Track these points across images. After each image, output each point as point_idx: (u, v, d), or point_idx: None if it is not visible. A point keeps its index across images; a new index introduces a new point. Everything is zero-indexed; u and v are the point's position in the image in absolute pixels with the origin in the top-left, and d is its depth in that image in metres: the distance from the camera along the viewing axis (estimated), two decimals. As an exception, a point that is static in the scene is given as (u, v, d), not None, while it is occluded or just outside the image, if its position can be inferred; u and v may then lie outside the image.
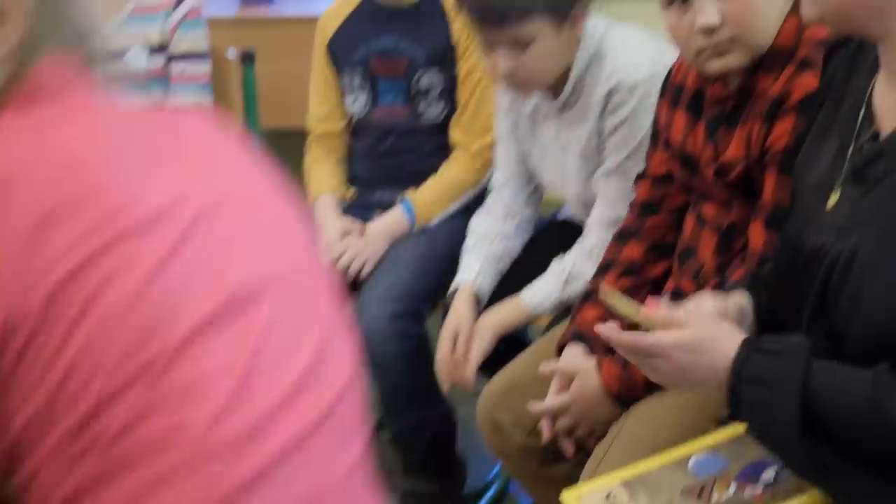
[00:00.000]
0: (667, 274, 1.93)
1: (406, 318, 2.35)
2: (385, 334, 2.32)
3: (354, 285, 2.46)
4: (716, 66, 1.67)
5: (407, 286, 2.37)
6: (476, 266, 2.23)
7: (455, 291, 2.22)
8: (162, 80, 2.68)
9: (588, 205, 2.17)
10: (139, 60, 2.65)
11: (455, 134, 2.49)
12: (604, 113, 2.07)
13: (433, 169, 2.47)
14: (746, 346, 1.36)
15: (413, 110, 2.49)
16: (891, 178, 1.31)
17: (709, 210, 1.81)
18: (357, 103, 2.56)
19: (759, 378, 1.33)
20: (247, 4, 3.63)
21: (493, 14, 1.98)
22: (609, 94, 2.05)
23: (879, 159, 1.34)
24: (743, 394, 1.34)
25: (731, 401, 1.36)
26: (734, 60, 1.66)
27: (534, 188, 2.33)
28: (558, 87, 2.10)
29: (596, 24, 2.09)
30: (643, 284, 1.94)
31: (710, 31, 1.64)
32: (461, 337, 2.16)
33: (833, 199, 1.39)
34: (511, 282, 2.23)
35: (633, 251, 1.95)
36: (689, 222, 1.86)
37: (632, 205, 1.98)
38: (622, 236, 1.97)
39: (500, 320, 2.16)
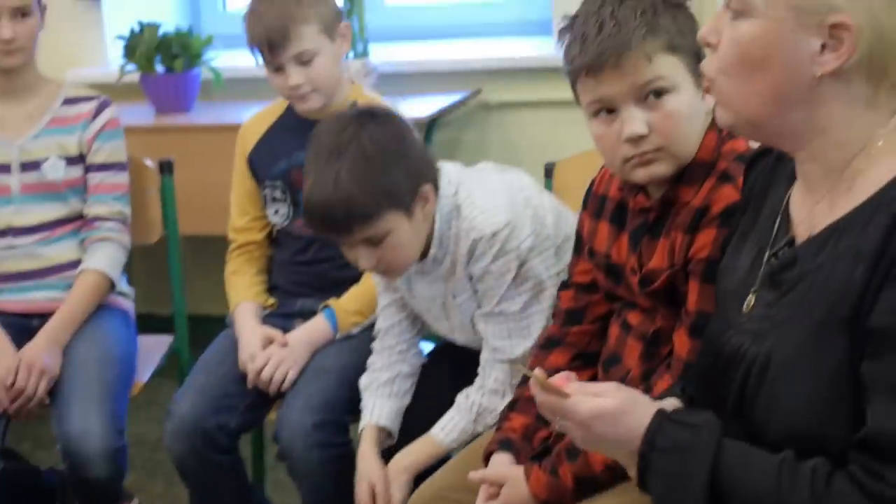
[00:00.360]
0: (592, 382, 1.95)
1: (329, 427, 2.34)
2: (308, 444, 2.31)
3: (277, 394, 2.44)
4: (641, 175, 1.71)
5: (329, 396, 2.36)
6: (377, 407, 2.25)
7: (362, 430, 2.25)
8: (79, 190, 2.66)
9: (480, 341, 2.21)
10: (57, 171, 2.63)
11: None
12: (470, 261, 2.11)
13: (355, 278, 2.48)
14: (660, 416, 1.40)
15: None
16: (804, 283, 1.35)
17: (634, 318, 1.84)
18: (278, 214, 2.57)
19: (671, 447, 1.37)
20: (163, 113, 3.63)
21: (341, 224, 2.02)
22: (472, 246, 2.09)
23: (794, 265, 1.38)
24: (654, 462, 1.37)
25: (640, 468, 1.39)
26: (660, 170, 1.70)
27: (420, 325, 2.34)
28: (424, 250, 2.14)
29: (448, 181, 2.13)
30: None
31: (636, 140, 1.67)
32: (378, 486, 2.17)
33: (750, 302, 1.43)
34: (416, 411, 2.27)
35: (558, 359, 1.96)
36: (614, 330, 1.89)
37: (555, 314, 2.01)
38: (547, 345, 2.00)
39: (414, 461, 2.18)
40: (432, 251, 2.12)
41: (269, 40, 2.42)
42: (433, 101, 3.46)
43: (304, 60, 2.44)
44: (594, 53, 1.65)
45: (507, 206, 2.09)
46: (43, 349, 2.51)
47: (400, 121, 2.13)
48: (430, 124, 3.47)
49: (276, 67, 2.46)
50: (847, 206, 1.34)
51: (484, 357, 2.15)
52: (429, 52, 3.79)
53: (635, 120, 1.67)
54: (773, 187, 1.50)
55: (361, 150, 2.01)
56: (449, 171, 2.16)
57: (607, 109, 1.69)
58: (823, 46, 1.29)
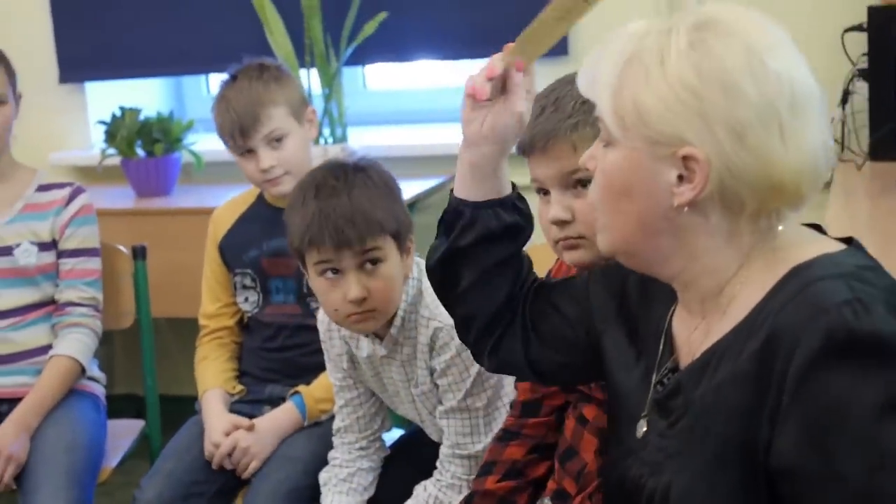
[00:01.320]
0: (549, 474, 1.95)
1: (294, 515, 2.33)
2: (273, 532, 2.30)
3: (242, 481, 2.44)
4: (567, 258, 1.74)
5: (296, 484, 2.36)
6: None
7: None
8: (51, 275, 2.68)
9: None
10: (29, 256, 2.66)
11: None
12: (432, 354, 2.12)
13: (324, 365, 2.48)
14: None
15: (304, 309, 2.53)
16: (691, 413, 1.36)
17: (589, 411, 1.84)
18: (248, 302, 2.59)
19: None
20: (143, 196, 3.67)
21: (355, 233, 2.03)
22: (433, 336, 2.11)
23: (678, 393, 1.39)
24: None
25: None
26: (583, 256, 1.71)
27: (381, 421, 2.33)
28: (384, 331, 2.14)
29: (416, 263, 2.16)
30: (525, 486, 1.96)
31: (560, 223, 1.72)
32: None
33: (642, 427, 1.44)
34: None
35: (515, 452, 1.97)
36: (570, 423, 1.89)
37: (513, 404, 2.01)
38: (504, 437, 2.00)
39: None
40: (393, 330, 2.13)
41: (241, 124, 2.47)
42: (412, 185, 3.49)
43: (274, 140, 2.48)
44: (528, 135, 1.69)
45: None
46: (11, 435, 2.51)
47: (391, 175, 2.17)
48: (409, 208, 3.49)
49: (247, 150, 2.49)
50: (722, 331, 1.36)
51: (443, 451, 2.15)
52: (408, 136, 3.83)
53: (557, 205, 1.71)
54: (655, 302, 1.50)
55: (369, 179, 2.08)
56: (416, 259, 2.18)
57: (542, 190, 1.73)
58: (680, 177, 1.31)
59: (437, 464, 2.15)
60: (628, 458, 1.45)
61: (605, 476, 1.57)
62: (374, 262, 2.05)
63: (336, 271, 2.06)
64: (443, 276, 1.64)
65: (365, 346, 2.19)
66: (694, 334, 1.41)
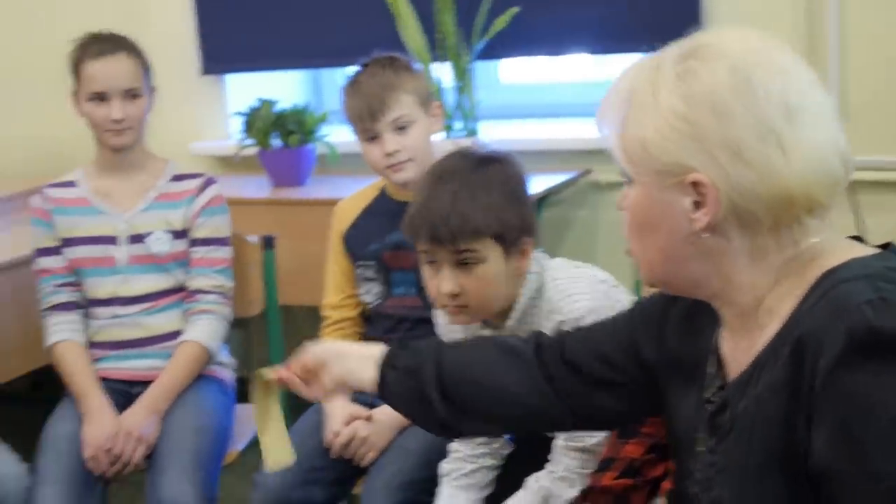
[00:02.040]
0: (666, 475, 1.94)
1: (409, 507, 2.35)
2: (388, 523, 2.33)
3: (360, 470, 2.47)
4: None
5: (411, 476, 2.37)
6: (453, 498, 2.24)
7: None
8: (183, 262, 2.75)
9: None
10: (162, 244, 2.73)
11: None
12: None
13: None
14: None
15: (425, 301, 2.54)
16: (736, 427, 1.37)
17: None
18: (370, 294, 2.62)
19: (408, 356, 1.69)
20: (278, 186, 3.74)
21: (447, 233, 2.04)
22: (553, 330, 2.08)
23: (725, 409, 1.41)
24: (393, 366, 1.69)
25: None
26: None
27: None
28: (501, 320, 2.14)
29: (537, 259, 2.15)
30: (643, 484, 1.95)
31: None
32: None
33: (697, 447, 1.46)
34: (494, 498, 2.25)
35: (633, 450, 1.96)
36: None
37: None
38: (622, 435, 1.99)
39: None
40: (510, 322, 2.13)
41: (369, 107, 2.50)
42: (543, 179, 3.48)
43: (400, 126, 2.50)
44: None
45: (590, 295, 2.10)
46: (142, 417, 2.60)
47: (521, 171, 2.16)
48: (539, 203, 3.49)
49: (373, 136, 2.52)
50: (762, 343, 1.36)
51: (557, 443, 2.14)
52: (540, 131, 3.82)
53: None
54: (702, 330, 1.51)
55: (483, 177, 2.07)
56: (536, 254, 2.18)
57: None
58: (696, 204, 1.34)
59: (551, 456, 2.15)
60: (686, 479, 1.47)
61: (670, 499, 1.58)
62: (470, 262, 2.06)
63: (434, 262, 2.08)
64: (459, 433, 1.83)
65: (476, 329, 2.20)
66: (738, 351, 1.42)
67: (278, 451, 1.87)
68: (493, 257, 2.06)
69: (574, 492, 2.04)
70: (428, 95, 2.59)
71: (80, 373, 2.67)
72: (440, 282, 2.08)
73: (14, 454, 2.58)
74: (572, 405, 1.64)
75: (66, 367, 2.70)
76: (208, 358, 2.73)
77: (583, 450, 2.08)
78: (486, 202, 2.04)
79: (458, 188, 2.05)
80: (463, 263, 2.06)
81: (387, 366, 1.71)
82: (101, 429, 2.57)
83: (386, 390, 1.72)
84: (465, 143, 3.40)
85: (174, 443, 2.59)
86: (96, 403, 2.62)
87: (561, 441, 2.13)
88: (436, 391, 1.66)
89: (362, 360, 1.74)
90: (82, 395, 2.64)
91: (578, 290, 2.11)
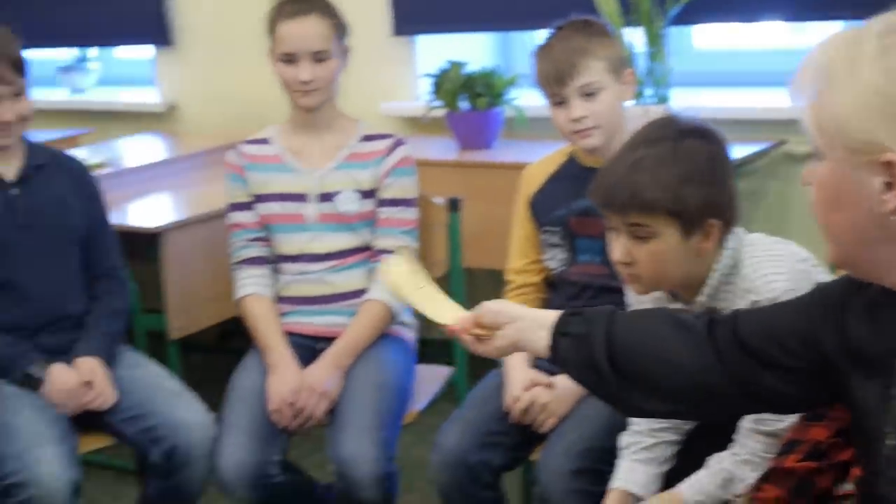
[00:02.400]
0: (853, 460, 1.87)
1: (588, 475, 2.33)
2: (566, 490, 2.32)
3: (538, 437, 2.46)
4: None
5: (591, 444, 2.35)
6: (631, 472, 2.20)
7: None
8: (370, 222, 2.78)
9: None
10: (350, 203, 2.77)
11: None
12: None
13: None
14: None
15: (610, 269, 2.50)
16: None
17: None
18: (555, 260, 2.60)
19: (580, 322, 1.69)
20: (465, 149, 3.75)
21: (619, 202, 1.99)
22: None
23: None
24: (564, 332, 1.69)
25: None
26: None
27: None
28: (691, 296, 2.07)
29: (734, 234, 2.06)
30: (828, 468, 1.88)
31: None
32: None
33: (890, 441, 1.42)
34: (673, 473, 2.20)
35: (819, 433, 1.89)
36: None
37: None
38: (809, 417, 1.92)
39: None
40: (701, 297, 2.07)
41: (557, 72, 2.47)
42: (735, 150, 3.37)
43: (588, 93, 2.47)
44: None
45: (788, 275, 2.02)
46: (325, 372, 2.64)
47: (722, 150, 2.07)
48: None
49: (560, 101, 2.50)
50: None
51: (744, 425, 2.08)
52: (733, 99, 3.72)
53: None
54: (886, 324, 1.45)
55: (673, 151, 1.99)
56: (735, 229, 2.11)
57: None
58: (888, 185, 1.29)
59: (736, 437, 2.10)
60: (878, 477, 1.42)
61: (860, 492, 1.51)
62: (641, 235, 2.00)
63: (612, 228, 2.05)
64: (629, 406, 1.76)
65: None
66: None
67: (445, 310, 1.88)
68: (666, 234, 1.99)
69: (756, 475, 1.99)
70: (621, 62, 2.54)
71: (267, 327, 2.74)
72: (613, 248, 2.05)
73: (201, 403, 2.67)
74: (741, 385, 1.60)
75: (254, 321, 2.76)
76: (392, 317, 2.76)
77: (769, 434, 2.02)
78: (665, 177, 1.97)
79: (641, 158, 1.99)
80: (636, 235, 2.01)
81: (559, 332, 1.71)
82: (285, 382, 2.63)
83: (557, 357, 1.72)
84: (657, 110, 3.36)
85: (355, 400, 2.62)
86: (282, 357, 2.68)
87: (748, 423, 2.07)
88: (605, 360, 1.65)
89: (536, 324, 1.74)
90: (268, 349, 2.70)
91: (776, 269, 2.03)
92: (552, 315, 1.74)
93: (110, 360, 2.67)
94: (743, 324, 1.62)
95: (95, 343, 2.66)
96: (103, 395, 2.59)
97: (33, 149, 2.73)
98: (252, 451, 2.56)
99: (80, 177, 2.79)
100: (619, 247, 2.03)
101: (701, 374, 1.62)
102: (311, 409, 2.62)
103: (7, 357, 2.58)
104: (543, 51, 2.54)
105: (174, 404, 2.64)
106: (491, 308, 1.80)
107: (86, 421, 2.62)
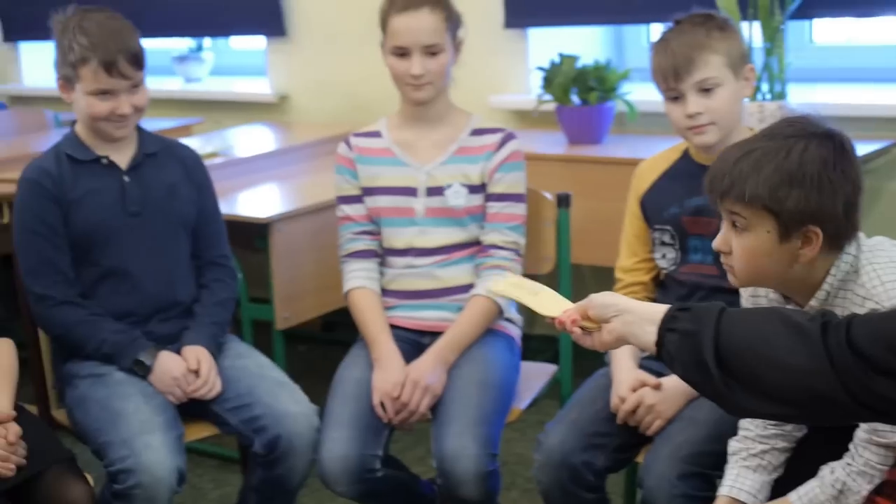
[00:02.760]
0: None
1: (694, 480, 2.29)
2: (671, 494, 2.28)
3: (644, 438, 2.43)
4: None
5: (699, 448, 2.31)
6: (739, 478, 2.15)
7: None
8: (478, 217, 2.76)
9: None
10: (459, 197, 2.75)
11: None
12: None
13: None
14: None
15: (721, 270, 2.44)
16: None
17: None
18: (665, 259, 2.55)
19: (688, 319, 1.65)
20: (575, 143, 3.71)
21: (718, 187, 1.94)
22: None
23: None
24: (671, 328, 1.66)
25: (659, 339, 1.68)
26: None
27: None
28: (804, 299, 2.00)
29: (855, 239, 1.97)
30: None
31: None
32: None
33: None
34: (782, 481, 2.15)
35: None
36: None
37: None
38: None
39: None
40: (814, 301, 2.00)
41: (674, 66, 2.43)
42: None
43: (705, 89, 2.41)
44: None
45: None
46: (429, 367, 2.63)
47: (845, 158, 1.93)
48: (847, 172, 3.32)
49: (676, 96, 2.45)
50: None
51: (859, 435, 2.01)
52: (852, 96, 3.63)
53: (720, 238, 1.97)
54: None
55: (786, 149, 1.90)
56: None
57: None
58: None
59: (851, 447, 2.03)
60: None
61: None
62: (738, 225, 1.94)
63: (720, 215, 2.00)
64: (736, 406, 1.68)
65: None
66: None
67: (551, 302, 1.87)
68: (760, 231, 1.91)
69: (870, 487, 1.93)
70: (741, 58, 2.47)
71: (373, 320, 2.73)
72: (715, 237, 2.00)
73: (305, 394, 2.67)
74: (853, 391, 1.54)
75: (360, 314, 2.76)
76: (498, 313, 2.74)
77: (887, 445, 1.95)
78: (769, 173, 1.88)
79: (753, 149, 1.92)
80: (734, 224, 1.95)
81: (666, 328, 1.67)
82: (390, 376, 2.63)
83: (664, 353, 1.68)
84: (771, 108, 3.28)
85: (459, 396, 2.61)
86: (387, 351, 2.67)
87: (863, 434, 2.00)
88: (713, 359, 1.60)
89: (644, 318, 1.70)
90: (374, 342, 2.70)
91: None
92: (661, 309, 1.70)
93: (217, 349, 2.69)
94: (857, 328, 1.56)
95: (203, 332, 2.69)
96: (209, 384, 2.62)
97: (145, 137, 2.76)
98: (355, 445, 2.56)
99: (192, 165, 2.81)
100: (721, 235, 1.98)
101: (811, 378, 1.56)
102: (415, 404, 2.61)
103: (118, 344, 2.61)
104: (661, 44, 2.49)
105: (278, 394, 2.65)
106: (599, 301, 1.77)
107: (191, 409, 2.64)
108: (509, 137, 2.79)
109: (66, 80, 2.64)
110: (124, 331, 2.64)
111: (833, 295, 1.97)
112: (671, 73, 2.44)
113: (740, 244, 1.94)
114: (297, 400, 2.65)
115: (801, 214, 1.89)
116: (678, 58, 2.43)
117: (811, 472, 2.06)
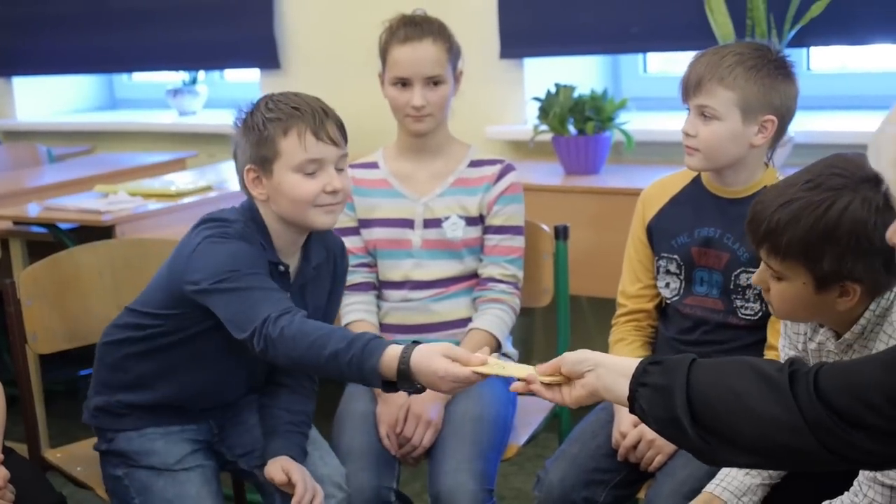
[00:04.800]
0: None
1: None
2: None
3: (645, 475, 2.39)
4: None
5: (700, 483, 2.24)
6: (728, 477, 2.15)
7: None
8: (475, 249, 2.73)
9: None
10: (456, 230, 2.72)
11: (773, 338, 2.35)
12: None
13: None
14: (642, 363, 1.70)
15: (728, 305, 2.42)
16: None
17: None
18: (668, 288, 2.50)
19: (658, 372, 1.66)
20: (571, 174, 3.68)
21: (753, 230, 1.92)
22: None
23: None
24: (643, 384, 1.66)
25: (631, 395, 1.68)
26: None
27: None
28: (843, 330, 1.96)
29: None
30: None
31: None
32: None
33: None
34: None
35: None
36: None
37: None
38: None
39: None
40: (849, 335, 1.94)
41: (686, 82, 2.38)
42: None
43: (704, 115, 2.35)
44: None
45: None
46: (429, 401, 2.59)
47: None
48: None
49: (686, 108, 2.41)
50: None
51: (864, 473, 1.97)
52: (853, 123, 3.61)
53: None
54: None
55: (827, 204, 1.83)
56: None
57: None
58: None
59: (855, 483, 1.99)
60: None
61: None
62: (773, 275, 1.92)
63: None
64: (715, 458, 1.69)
65: (816, 336, 2.04)
66: None
67: (517, 368, 1.93)
68: (796, 282, 1.88)
69: None
70: (761, 105, 2.34)
71: (372, 353, 2.68)
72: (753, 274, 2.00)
73: (333, 453, 2.53)
74: (829, 446, 1.54)
75: (360, 348, 2.70)
76: (496, 347, 2.70)
77: (892, 487, 1.91)
78: (806, 230, 1.83)
79: (794, 199, 1.86)
80: (770, 266, 1.93)
81: (638, 382, 1.67)
82: (392, 409, 2.58)
83: (637, 408, 1.68)
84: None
85: (455, 432, 2.56)
86: (387, 384, 2.62)
87: (868, 472, 1.97)
88: (686, 413, 1.61)
89: (616, 372, 1.72)
90: (374, 377, 2.65)
91: None
92: (634, 363, 1.71)
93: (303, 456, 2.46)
94: (825, 379, 1.56)
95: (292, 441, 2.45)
96: (310, 490, 2.37)
97: (312, 245, 2.41)
98: (371, 477, 2.50)
99: (339, 254, 2.50)
100: (759, 270, 1.96)
101: (786, 433, 1.56)
102: (417, 439, 2.56)
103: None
104: (697, 55, 2.43)
105: (313, 455, 2.47)
106: (572, 358, 1.78)
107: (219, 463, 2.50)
108: (508, 169, 2.76)
109: (261, 163, 2.33)
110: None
111: (870, 329, 1.94)
112: (683, 86, 2.40)
113: (777, 289, 1.93)
114: (326, 462, 2.49)
115: (836, 273, 1.85)
116: (692, 75, 2.38)
117: (809, 481, 2.05)
